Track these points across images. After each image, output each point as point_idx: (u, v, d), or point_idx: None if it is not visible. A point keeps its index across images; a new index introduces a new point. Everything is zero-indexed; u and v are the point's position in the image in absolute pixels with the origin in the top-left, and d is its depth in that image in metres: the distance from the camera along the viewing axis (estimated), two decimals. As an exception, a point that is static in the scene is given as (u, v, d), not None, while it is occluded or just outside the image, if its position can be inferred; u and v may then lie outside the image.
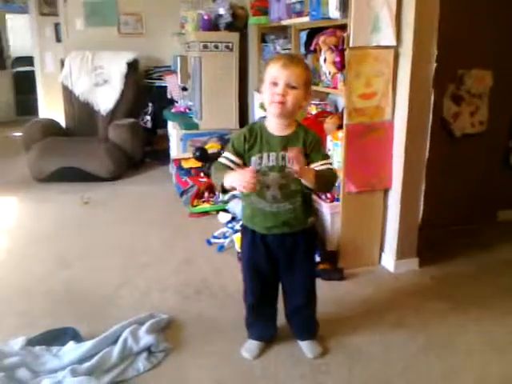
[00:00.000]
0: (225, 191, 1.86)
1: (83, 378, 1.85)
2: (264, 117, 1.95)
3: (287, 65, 1.78)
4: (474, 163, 3.36)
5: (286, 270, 2.01)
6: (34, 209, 4.04)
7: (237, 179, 1.74)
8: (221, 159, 1.90)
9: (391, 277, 2.79)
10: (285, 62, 1.79)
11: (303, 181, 1.79)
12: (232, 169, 1.85)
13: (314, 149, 1.87)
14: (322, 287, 2.12)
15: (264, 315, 2.10)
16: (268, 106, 1.84)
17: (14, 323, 2.33)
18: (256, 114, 4.20)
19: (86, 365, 1.93)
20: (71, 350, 2.02)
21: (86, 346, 2.03)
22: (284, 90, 1.77)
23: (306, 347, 2.09)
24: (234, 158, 1.87)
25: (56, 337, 2.14)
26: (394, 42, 2.58)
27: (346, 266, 2.80)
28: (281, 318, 2.16)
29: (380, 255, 2.92)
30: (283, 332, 2.16)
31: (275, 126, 1.88)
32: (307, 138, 1.87)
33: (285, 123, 1.87)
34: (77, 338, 2.13)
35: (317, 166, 1.85)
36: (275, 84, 1.79)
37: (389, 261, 2.86)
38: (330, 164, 1.91)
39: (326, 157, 1.92)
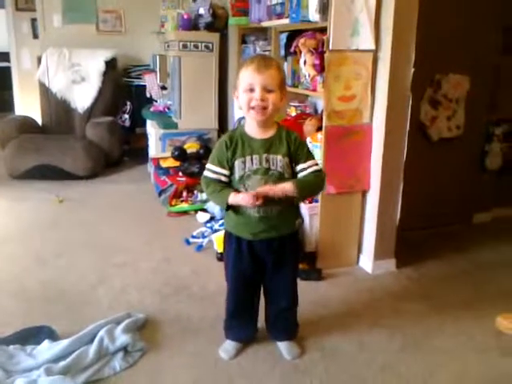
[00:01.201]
0: (229, 208, 1.86)
1: (58, 378, 1.83)
2: (243, 117, 1.93)
3: (261, 68, 1.76)
4: (451, 166, 3.42)
5: (272, 274, 1.99)
6: (9, 207, 3.98)
7: (242, 202, 1.78)
8: (210, 174, 1.88)
9: (369, 277, 2.82)
10: (258, 65, 1.76)
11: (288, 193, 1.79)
12: (224, 182, 1.85)
13: (298, 149, 1.86)
14: (301, 287, 2.12)
15: (244, 318, 2.09)
16: (246, 113, 1.83)
17: (-13, 322, 2.29)
18: (235, 114, 4.20)
19: (62, 364, 1.90)
20: (46, 349, 2.00)
21: (62, 344, 2.00)
22: (262, 94, 1.76)
23: (284, 348, 2.09)
24: (220, 170, 1.86)
25: (31, 336, 2.11)
26: (372, 46, 2.61)
27: (324, 266, 2.82)
28: (259, 320, 2.16)
29: (358, 256, 2.95)
30: (261, 332, 2.16)
31: (256, 130, 1.86)
32: (290, 139, 1.86)
33: (265, 125, 1.86)
34: (52, 336, 2.10)
35: (303, 167, 1.85)
36: (251, 90, 1.77)
37: (366, 262, 2.89)
38: (316, 164, 1.90)
39: (311, 156, 1.90)
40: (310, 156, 1.89)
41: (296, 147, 1.86)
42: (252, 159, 1.83)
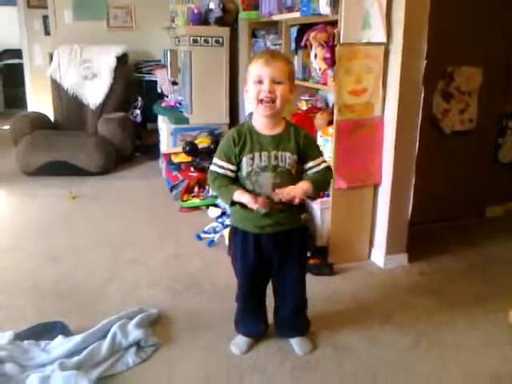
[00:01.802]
0: (233, 204, 1.85)
1: (72, 373, 1.84)
2: (252, 113, 1.93)
3: (269, 61, 1.76)
4: (463, 160, 3.39)
5: (279, 270, 1.98)
6: (22, 203, 4.02)
7: (249, 203, 1.77)
8: (216, 169, 1.88)
9: (380, 272, 2.81)
10: (267, 58, 1.77)
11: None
12: (231, 177, 1.86)
13: (307, 146, 1.86)
14: (312, 282, 2.12)
15: (254, 313, 2.10)
16: (255, 107, 1.82)
17: (1, 317, 2.31)
18: (246, 109, 4.19)
19: (75, 359, 1.92)
20: (60, 345, 2.02)
21: (75, 340, 2.02)
22: (270, 86, 1.76)
23: (296, 344, 2.09)
24: (227, 165, 1.85)
25: (44, 331, 2.13)
26: (384, 39, 2.59)
27: (336, 261, 2.82)
28: (269, 315, 2.16)
29: (370, 250, 2.93)
30: (272, 328, 2.16)
31: (264, 125, 1.85)
32: (299, 136, 1.85)
33: (274, 121, 1.85)
34: (65, 332, 2.12)
35: (313, 164, 1.86)
36: (260, 82, 1.77)
37: (378, 256, 2.88)
38: (325, 161, 1.91)
39: (320, 153, 1.91)
40: (318, 153, 1.90)
41: (305, 144, 1.85)
42: (261, 156, 1.82)
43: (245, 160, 1.83)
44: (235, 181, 1.87)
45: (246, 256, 1.94)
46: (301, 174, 1.87)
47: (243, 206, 1.83)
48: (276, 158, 1.82)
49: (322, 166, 1.88)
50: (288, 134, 1.85)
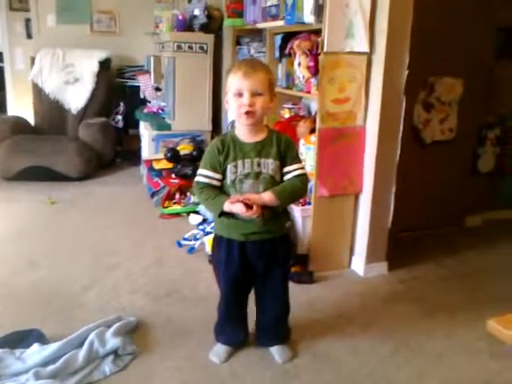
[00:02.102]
0: (221, 215, 1.84)
1: (47, 382, 1.81)
2: (234, 121, 1.94)
3: (248, 73, 1.76)
4: (444, 169, 3.42)
5: (263, 278, 1.98)
6: (1, 208, 3.95)
7: (242, 212, 1.76)
8: (202, 179, 1.87)
9: (361, 280, 2.81)
10: (245, 70, 1.77)
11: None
12: (216, 186, 1.85)
13: (286, 151, 1.86)
14: (293, 290, 2.11)
15: (236, 321, 2.09)
16: (237, 118, 1.83)
17: (-24, 325, 2.26)
18: (229, 116, 4.19)
19: (51, 368, 1.89)
20: (35, 353, 1.97)
21: (51, 348, 1.98)
22: (250, 100, 1.76)
23: (276, 352, 2.08)
24: (213, 174, 1.85)
25: (20, 339, 2.08)
26: (367, 49, 2.61)
27: (317, 269, 2.81)
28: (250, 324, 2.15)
29: (350, 259, 2.94)
30: (252, 336, 2.15)
31: (246, 134, 1.86)
32: (280, 141, 1.87)
33: (256, 129, 1.86)
34: (42, 340, 2.08)
35: (288, 169, 1.86)
36: (240, 95, 1.78)
37: (359, 264, 2.88)
38: (301, 168, 1.90)
39: (298, 160, 1.91)
40: (295, 159, 1.89)
41: (285, 149, 1.86)
42: (244, 163, 1.83)
43: (229, 168, 1.84)
44: (220, 189, 1.87)
45: (230, 264, 1.93)
46: (282, 179, 1.88)
47: (230, 214, 1.83)
48: (259, 164, 1.83)
49: (296, 172, 1.86)
50: (270, 140, 1.86)
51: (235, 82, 1.78)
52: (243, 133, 1.87)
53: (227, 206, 1.79)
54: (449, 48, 3.15)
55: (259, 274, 1.97)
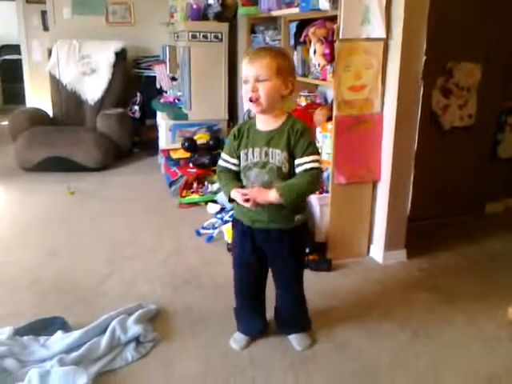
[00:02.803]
0: (232, 200, 1.88)
1: (71, 368, 1.84)
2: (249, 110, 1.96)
3: (253, 59, 1.76)
4: (463, 156, 3.39)
5: (274, 269, 2.02)
6: (21, 199, 4.01)
7: (240, 202, 1.80)
8: (221, 162, 1.95)
9: (379, 268, 2.81)
10: (250, 57, 1.78)
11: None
12: (234, 171, 1.91)
13: (298, 142, 1.78)
14: (310, 278, 2.12)
15: (252, 310, 2.10)
16: (248, 105, 1.84)
17: (1, 313, 2.31)
18: (245, 105, 4.19)
19: (74, 354, 1.92)
20: (59, 340, 2.02)
21: (74, 335, 2.02)
22: (253, 86, 1.76)
23: (294, 340, 2.10)
24: (230, 159, 1.91)
25: (44, 326, 2.13)
26: (383, 35, 2.58)
27: (335, 257, 2.82)
28: (270, 311, 2.16)
29: (368, 246, 2.94)
30: (271, 323, 2.16)
31: (261, 121, 1.86)
32: (292, 131, 1.79)
33: (270, 117, 1.84)
34: (65, 327, 2.12)
35: (298, 162, 1.79)
36: (246, 82, 1.78)
37: (377, 252, 2.88)
38: (314, 161, 1.78)
39: (310, 151, 1.78)
40: (307, 150, 1.78)
41: (296, 140, 1.78)
42: (253, 151, 1.84)
43: (241, 155, 1.87)
44: (238, 173, 1.92)
45: (243, 246, 1.97)
46: (294, 172, 1.82)
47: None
48: (266, 154, 1.82)
49: (308, 165, 1.77)
50: (282, 130, 1.81)
51: (243, 69, 1.79)
52: (259, 120, 1.87)
53: (233, 194, 1.83)
54: (467, 33, 3.10)
55: (270, 263, 2.00)
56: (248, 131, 1.88)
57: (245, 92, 1.80)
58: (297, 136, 1.79)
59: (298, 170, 1.80)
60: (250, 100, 1.78)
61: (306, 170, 1.78)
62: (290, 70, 1.83)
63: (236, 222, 2.00)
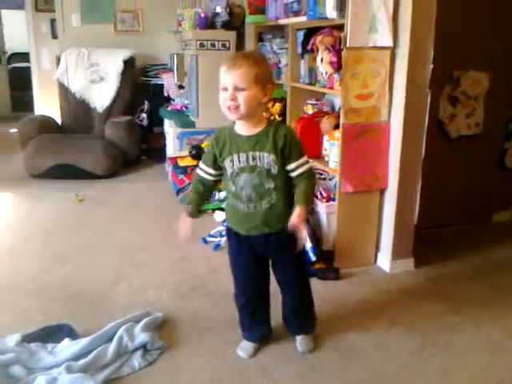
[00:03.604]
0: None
1: (78, 375, 1.85)
2: None
3: (230, 68, 1.75)
4: (470, 164, 3.38)
5: (275, 270, 2.03)
6: (29, 205, 4.04)
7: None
8: (199, 171, 1.98)
9: (386, 277, 2.80)
10: (229, 64, 1.76)
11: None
12: (207, 180, 1.95)
13: (287, 146, 1.81)
14: (318, 286, 2.12)
15: (256, 315, 2.09)
16: (224, 112, 1.82)
17: (9, 320, 2.32)
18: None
19: (81, 362, 1.93)
20: (66, 347, 2.02)
21: (82, 343, 2.03)
22: (232, 94, 1.75)
23: (298, 341, 2.11)
24: (206, 167, 1.94)
25: (51, 333, 2.14)
26: (390, 43, 2.59)
27: (342, 265, 2.81)
28: (277, 318, 2.16)
29: (376, 255, 2.93)
30: (278, 330, 2.16)
31: (242, 126, 1.85)
32: (278, 135, 1.81)
33: (250, 123, 1.83)
34: (72, 334, 2.13)
35: (293, 167, 1.83)
36: (225, 89, 1.77)
37: (384, 261, 2.87)
38: (307, 162, 1.86)
39: (300, 154, 1.85)
40: (299, 153, 1.84)
41: (284, 144, 1.80)
42: (239, 157, 1.84)
43: (227, 162, 1.86)
44: (215, 183, 1.97)
45: (241, 253, 1.98)
46: (285, 172, 1.84)
47: (230, 205, 1.92)
48: (254, 158, 1.82)
49: (303, 168, 1.84)
50: (266, 133, 1.82)
51: (221, 76, 1.78)
52: (239, 126, 1.86)
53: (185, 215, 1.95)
54: (474, 42, 3.10)
55: (272, 266, 2.02)
56: (229, 137, 1.86)
57: (223, 100, 1.79)
58: (286, 140, 1.81)
59: (295, 173, 1.85)
60: (229, 108, 1.77)
61: (303, 172, 1.85)
62: (268, 77, 1.82)
63: (230, 231, 2.00)
